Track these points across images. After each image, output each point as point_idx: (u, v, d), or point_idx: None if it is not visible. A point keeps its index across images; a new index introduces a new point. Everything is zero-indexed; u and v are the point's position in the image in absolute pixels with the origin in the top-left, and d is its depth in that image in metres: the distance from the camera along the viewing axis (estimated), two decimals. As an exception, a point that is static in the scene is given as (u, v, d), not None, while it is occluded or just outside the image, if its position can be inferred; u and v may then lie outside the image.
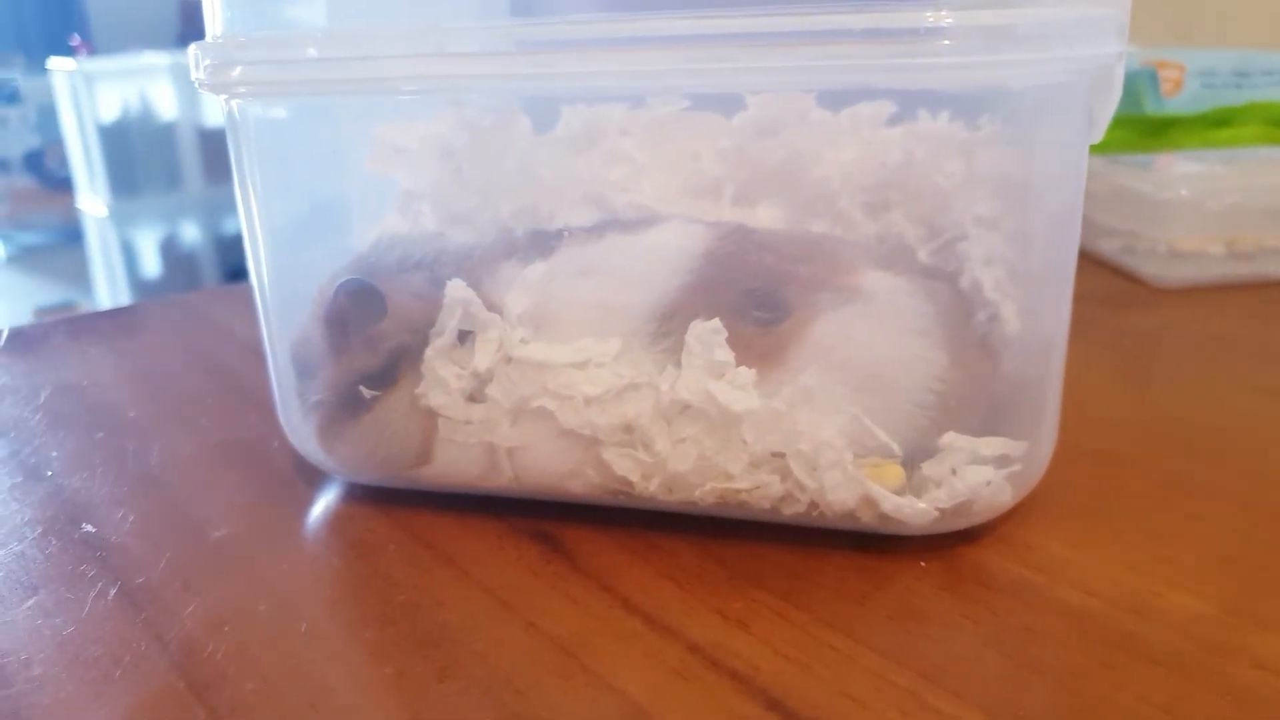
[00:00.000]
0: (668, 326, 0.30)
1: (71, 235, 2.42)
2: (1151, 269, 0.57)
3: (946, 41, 0.26)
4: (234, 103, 0.32)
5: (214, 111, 2.20)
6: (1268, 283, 0.56)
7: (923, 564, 0.30)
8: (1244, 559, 0.30)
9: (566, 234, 0.32)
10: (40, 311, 2.31)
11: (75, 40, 2.51)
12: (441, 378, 0.31)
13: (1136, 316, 0.52)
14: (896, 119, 0.35)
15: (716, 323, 0.29)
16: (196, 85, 0.31)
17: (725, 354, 0.29)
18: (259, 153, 0.33)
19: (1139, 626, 0.27)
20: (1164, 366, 0.45)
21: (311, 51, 0.30)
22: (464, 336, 0.31)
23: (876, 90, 0.34)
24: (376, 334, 0.32)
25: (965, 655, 0.26)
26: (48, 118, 2.37)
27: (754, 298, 0.31)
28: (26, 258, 2.63)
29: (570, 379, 0.30)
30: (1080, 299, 0.32)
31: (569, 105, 0.37)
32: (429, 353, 0.31)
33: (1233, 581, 0.28)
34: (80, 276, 2.34)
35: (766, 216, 0.36)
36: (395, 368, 0.32)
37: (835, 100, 0.35)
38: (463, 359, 0.31)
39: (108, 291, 2.26)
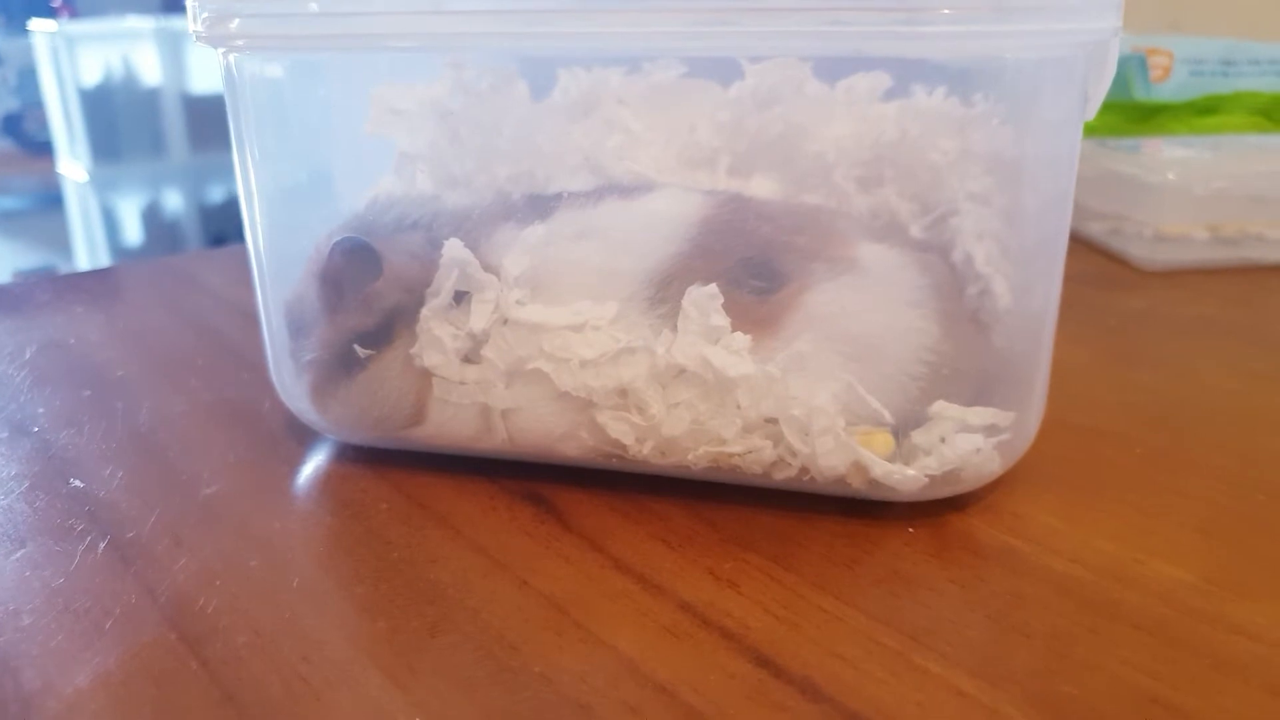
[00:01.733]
0: (665, 292, 0.30)
1: (51, 200, 2.38)
2: (1138, 252, 0.57)
3: (946, 11, 0.26)
4: (231, 57, 0.32)
5: (200, 79, 2.17)
6: (1250, 267, 0.56)
7: (911, 530, 0.30)
8: (1223, 531, 0.30)
9: (565, 197, 0.32)
10: (19, 275, 2.29)
11: (57, 2, 2.47)
12: (437, 338, 0.31)
13: (1123, 298, 0.52)
14: (892, 94, 0.35)
15: (713, 288, 0.29)
16: (194, 38, 0.31)
17: (721, 319, 0.29)
18: (256, 110, 0.33)
19: (1122, 593, 0.27)
20: (1148, 346, 0.46)
21: (312, 5, 0.30)
22: (460, 297, 0.31)
23: (873, 60, 0.34)
24: (372, 293, 0.32)
25: (952, 619, 0.26)
26: (28, 80, 2.34)
27: (750, 266, 0.31)
28: (4, 222, 2.60)
29: (566, 341, 0.30)
30: (1068, 280, 0.32)
31: (566, 68, 0.36)
32: (425, 312, 0.31)
33: (1212, 552, 0.29)
34: (60, 242, 2.31)
35: (761, 188, 0.36)
36: (390, 327, 0.32)
37: (832, 71, 0.35)
38: (458, 320, 0.31)
39: (88, 257, 2.24)
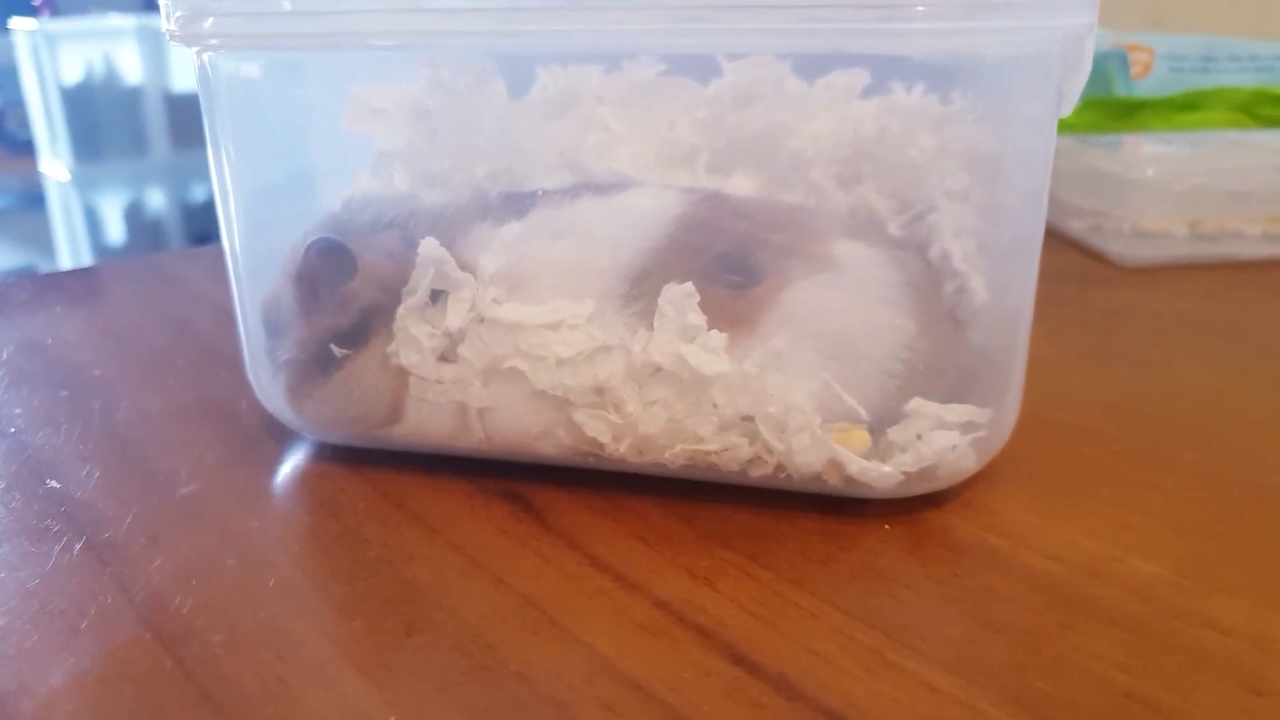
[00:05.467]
0: (641, 289, 0.30)
1: (33, 199, 2.36)
2: (1117, 248, 0.57)
3: (921, 7, 0.26)
4: (205, 56, 0.32)
5: (182, 77, 2.16)
6: (1228, 264, 0.57)
7: (887, 527, 0.30)
8: (1199, 527, 0.30)
9: (541, 195, 0.32)
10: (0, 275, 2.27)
11: (37, 0, 2.46)
12: (413, 336, 0.31)
13: (1102, 294, 0.52)
14: (870, 92, 0.35)
15: (689, 286, 0.29)
16: (168, 37, 0.31)
17: (697, 317, 0.29)
18: (231, 109, 0.33)
19: (1097, 589, 0.27)
20: (1127, 343, 0.46)
21: (285, 4, 0.29)
22: (436, 296, 0.31)
23: (851, 58, 0.35)
24: (347, 293, 0.32)
25: (927, 615, 0.26)
26: (8, 78, 2.32)
27: (727, 262, 0.31)
28: (-14, 222, 2.58)
29: (543, 340, 0.30)
30: (1047, 276, 0.32)
31: (544, 66, 0.36)
32: (401, 311, 0.31)
33: (1188, 548, 0.29)
34: (42, 241, 2.29)
35: (740, 186, 0.36)
36: (367, 326, 0.32)
37: (811, 68, 0.35)
38: (435, 318, 0.31)
39: (70, 257, 2.22)
